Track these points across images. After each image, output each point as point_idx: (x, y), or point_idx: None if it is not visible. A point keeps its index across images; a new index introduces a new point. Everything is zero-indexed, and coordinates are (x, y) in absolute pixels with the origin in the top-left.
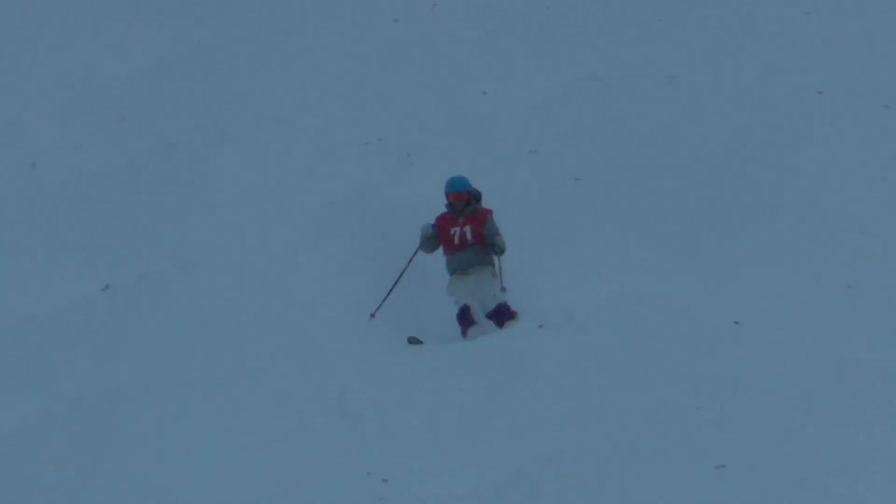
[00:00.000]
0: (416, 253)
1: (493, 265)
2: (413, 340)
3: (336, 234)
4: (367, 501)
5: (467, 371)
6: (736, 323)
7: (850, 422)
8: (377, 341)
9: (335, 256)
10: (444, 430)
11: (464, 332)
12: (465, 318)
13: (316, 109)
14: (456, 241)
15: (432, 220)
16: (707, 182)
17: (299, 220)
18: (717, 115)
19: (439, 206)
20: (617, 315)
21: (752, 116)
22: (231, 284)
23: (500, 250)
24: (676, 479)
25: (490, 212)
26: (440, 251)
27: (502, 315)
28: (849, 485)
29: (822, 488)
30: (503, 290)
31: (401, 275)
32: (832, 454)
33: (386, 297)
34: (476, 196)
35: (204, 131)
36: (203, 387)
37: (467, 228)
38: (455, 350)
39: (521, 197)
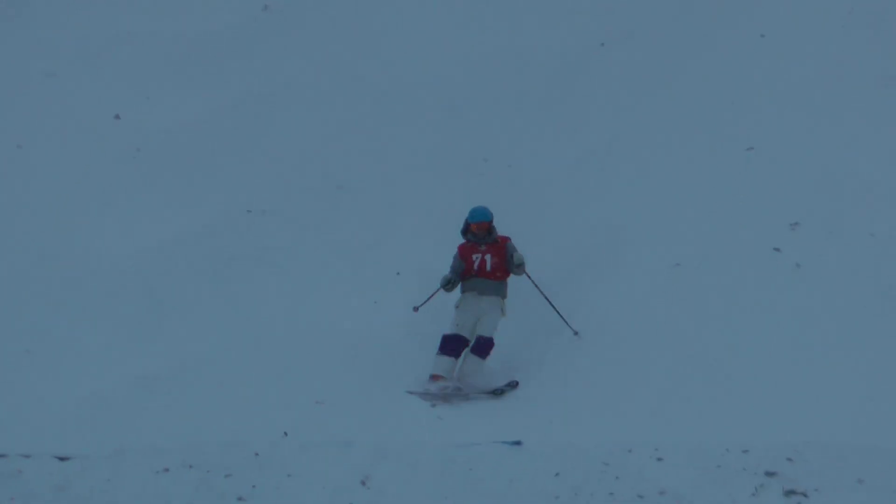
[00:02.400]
0: (437, 292)
1: (504, 298)
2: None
3: None
4: None
5: None
6: (762, 35)
7: (852, 115)
8: None
9: None
10: None
11: (441, 351)
12: (451, 346)
13: None
14: (476, 266)
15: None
16: None
17: None
18: None
19: None
20: None
21: None
22: (356, 12)
23: (521, 267)
24: (711, 159)
25: (507, 239)
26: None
27: (481, 348)
28: (853, 164)
29: (839, 169)
30: (575, 333)
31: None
32: (845, 140)
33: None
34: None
35: None
36: (342, 81)
37: (488, 256)
38: None
39: None
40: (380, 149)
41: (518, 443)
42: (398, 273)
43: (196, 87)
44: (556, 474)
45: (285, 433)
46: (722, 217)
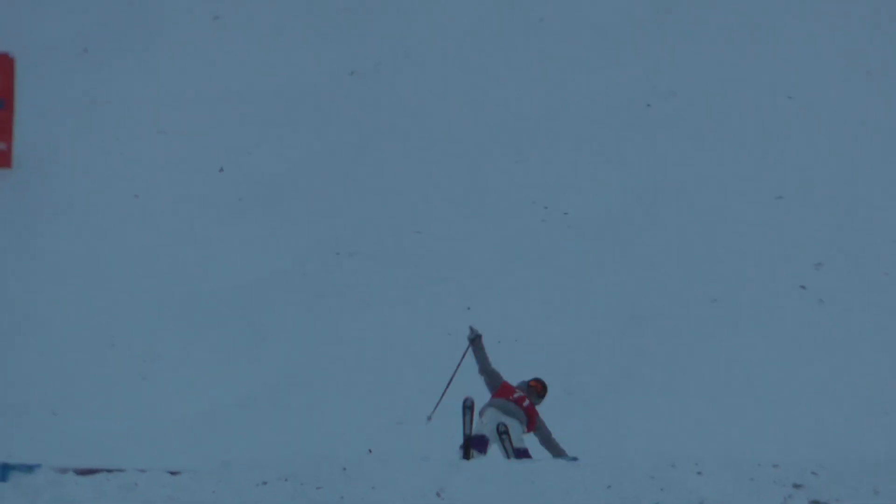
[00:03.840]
0: (465, 353)
1: (523, 426)
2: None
3: None
4: None
5: None
6: (790, 97)
7: (871, 166)
8: None
9: None
10: None
11: (464, 454)
12: (478, 444)
13: None
14: (513, 395)
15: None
16: None
17: None
18: None
19: None
20: None
21: None
22: (429, 70)
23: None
24: (744, 206)
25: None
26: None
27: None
28: (873, 210)
29: (859, 214)
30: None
31: (452, 377)
32: (865, 188)
33: (440, 400)
34: (541, 394)
35: None
36: (418, 134)
37: (526, 402)
38: None
39: None
40: (452, 194)
41: (575, 459)
42: (468, 308)
43: (290, 141)
44: (608, 486)
45: (370, 450)
46: (754, 257)
